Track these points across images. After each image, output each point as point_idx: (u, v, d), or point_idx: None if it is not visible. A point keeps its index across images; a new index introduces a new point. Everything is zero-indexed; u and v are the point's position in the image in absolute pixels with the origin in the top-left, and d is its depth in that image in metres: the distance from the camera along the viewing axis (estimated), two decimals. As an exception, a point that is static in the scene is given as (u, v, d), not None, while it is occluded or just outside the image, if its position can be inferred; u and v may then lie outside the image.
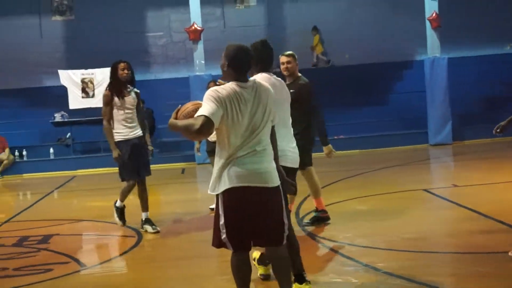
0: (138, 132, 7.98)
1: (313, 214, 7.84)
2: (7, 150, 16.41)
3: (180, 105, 4.62)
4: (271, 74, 5.25)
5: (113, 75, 7.93)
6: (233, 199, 4.32)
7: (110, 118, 7.89)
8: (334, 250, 6.55)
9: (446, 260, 6.10)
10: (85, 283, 6.17)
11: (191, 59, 16.85)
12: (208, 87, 6.88)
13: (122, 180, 8.02)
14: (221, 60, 4.46)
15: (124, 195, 8.07)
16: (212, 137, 4.52)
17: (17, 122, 18.24)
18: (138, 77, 8.64)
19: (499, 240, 6.46)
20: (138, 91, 8.11)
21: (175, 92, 16.91)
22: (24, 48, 19.22)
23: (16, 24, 19.35)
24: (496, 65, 18.80)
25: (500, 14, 19.19)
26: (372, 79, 18.81)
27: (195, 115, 4.26)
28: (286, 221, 4.47)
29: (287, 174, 4.74)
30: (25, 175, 16.37)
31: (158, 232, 7.89)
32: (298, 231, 7.32)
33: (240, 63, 4.40)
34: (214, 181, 4.40)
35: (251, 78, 4.53)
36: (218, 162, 4.39)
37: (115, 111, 7.85)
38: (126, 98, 7.84)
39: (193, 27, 16.14)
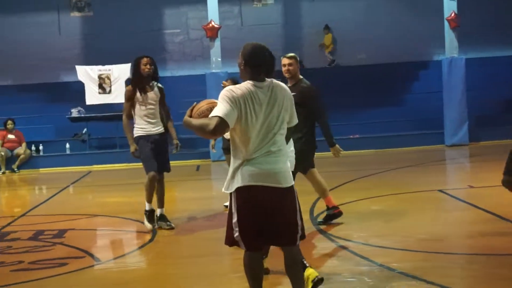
0: (160, 128, 7.89)
1: (325, 214, 7.81)
2: (24, 145, 16.53)
3: (195, 103, 4.63)
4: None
5: (136, 70, 7.83)
6: (245, 198, 4.33)
7: (129, 113, 7.81)
8: (348, 250, 6.53)
9: (461, 262, 6.06)
10: (100, 278, 6.20)
11: (208, 56, 16.87)
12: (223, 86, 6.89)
13: (147, 173, 7.84)
14: (238, 59, 4.46)
15: (148, 192, 7.82)
16: (228, 135, 4.52)
17: (34, 117, 18.38)
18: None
19: (515, 242, 6.42)
20: (162, 86, 8.00)
21: (191, 89, 16.95)
22: (43, 44, 19.39)
23: (35, 21, 19.50)
24: (515, 66, 18.68)
25: (519, 15, 19.06)
26: (389, 79, 18.74)
27: (210, 115, 4.27)
28: (299, 222, 4.45)
29: None
30: (41, 170, 16.48)
31: (172, 228, 7.90)
32: (312, 229, 7.32)
33: (257, 62, 4.37)
34: (229, 179, 4.41)
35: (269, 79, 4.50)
36: (233, 161, 4.40)
37: (137, 106, 7.74)
38: (148, 94, 7.74)
39: (210, 25, 16.16)
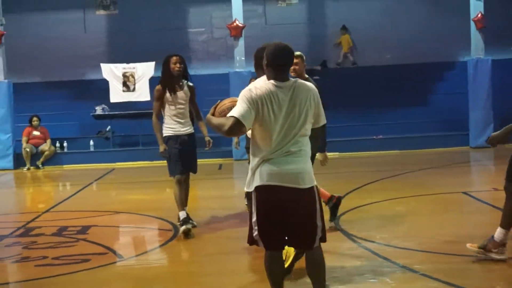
0: (189, 129, 7.75)
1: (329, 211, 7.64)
2: (48, 141, 16.68)
3: (219, 100, 4.64)
4: None
5: (165, 69, 7.64)
6: (264, 197, 4.32)
7: (159, 113, 7.70)
8: (370, 251, 6.49)
9: (484, 265, 5.98)
10: (122, 274, 6.24)
11: (232, 55, 16.88)
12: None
13: (170, 175, 7.79)
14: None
15: (177, 198, 7.65)
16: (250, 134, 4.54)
17: (59, 114, 18.52)
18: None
19: (539, 246, 6.33)
20: (192, 84, 7.84)
21: (215, 88, 16.97)
22: (69, 41, 19.58)
23: (62, 18, 19.72)
24: (541, 67, 18.43)
25: (546, 16, 18.82)
26: (413, 80, 18.63)
27: (228, 115, 4.27)
28: (319, 223, 4.39)
29: None
30: (65, 166, 16.62)
31: (194, 227, 7.88)
32: (333, 230, 7.30)
33: (279, 62, 4.34)
34: (249, 178, 4.42)
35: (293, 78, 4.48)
36: (252, 160, 4.39)
37: (166, 106, 7.60)
38: (178, 93, 7.59)
39: (234, 24, 16.17)
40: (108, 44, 20.00)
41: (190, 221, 7.86)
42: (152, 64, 16.65)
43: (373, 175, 11.88)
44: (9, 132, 16.21)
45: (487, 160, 14.84)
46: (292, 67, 7.06)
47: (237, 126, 4.21)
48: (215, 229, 7.95)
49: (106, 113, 17.54)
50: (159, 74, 7.89)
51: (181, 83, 7.68)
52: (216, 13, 19.91)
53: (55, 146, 16.91)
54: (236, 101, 4.47)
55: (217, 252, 6.84)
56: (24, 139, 16.41)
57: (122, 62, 17.07)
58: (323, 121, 4.51)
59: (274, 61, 4.33)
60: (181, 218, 7.55)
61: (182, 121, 7.68)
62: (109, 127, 17.57)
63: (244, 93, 4.29)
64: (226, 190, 11.80)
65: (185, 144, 7.67)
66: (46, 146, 16.55)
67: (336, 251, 6.40)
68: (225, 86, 16.10)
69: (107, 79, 16.95)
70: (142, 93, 16.75)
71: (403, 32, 19.22)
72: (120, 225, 8.92)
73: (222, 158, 16.42)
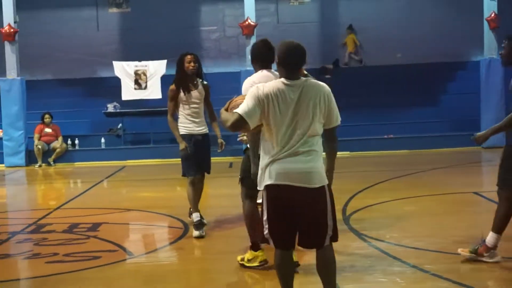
0: (204, 129, 7.66)
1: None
2: (60, 139, 16.75)
3: (234, 96, 4.68)
4: (272, 71, 5.31)
5: (179, 68, 7.55)
6: (273, 196, 4.32)
7: (173, 113, 7.60)
8: (380, 250, 6.48)
9: (495, 265, 5.96)
10: (132, 271, 6.26)
11: (243, 54, 16.89)
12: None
13: (183, 175, 7.74)
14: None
15: (191, 198, 7.57)
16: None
17: (71, 111, 18.61)
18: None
19: (551, 247, 6.30)
20: (206, 83, 7.76)
21: (226, 86, 16.96)
22: (81, 39, 19.67)
23: (74, 16, 19.81)
24: (555, 68, 18.30)
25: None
26: (425, 79, 18.57)
27: (234, 111, 4.29)
28: (330, 223, 4.33)
29: None
30: (77, 164, 16.68)
31: (205, 225, 7.86)
32: (344, 229, 7.29)
33: (290, 61, 4.32)
34: (260, 177, 4.42)
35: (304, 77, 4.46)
36: (263, 158, 4.39)
37: (180, 105, 7.51)
38: (192, 93, 7.50)
39: (246, 22, 16.18)
40: (120, 42, 20.07)
41: (203, 220, 7.71)
42: (164, 62, 16.69)
43: (383, 174, 11.85)
44: (21, 129, 16.30)
45: (499, 160, 14.73)
46: None
47: (240, 122, 4.23)
48: (225, 227, 7.96)
49: (118, 110, 17.60)
50: (171, 72, 7.85)
51: (195, 82, 7.60)
52: (229, 11, 19.94)
53: (67, 144, 16.98)
54: (249, 98, 4.50)
55: (226, 250, 6.84)
56: (36, 136, 16.49)
57: (134, 60, 17.12)
58: (335, 122, 4.40)
59: (286, 60, 4.32)
60: (194, 221, 7.45)
61: (196, 120, 7.59)
62: (120, 124, 17.63)
63: (252, 90, 4.30)
64: (237, 188, 11.73)
65: (199, 144, 7.59)
66: (57, 143, 16.62)
67: (346, 250, 6.39)
68: (236, 85, 16.05)
69: (119, 76, 17.01)
70: (153, 91, 16.79)
71: (414, 31, 19.16)
72: (131, 222, 8.93)
73: (233, 156, 16.42)
